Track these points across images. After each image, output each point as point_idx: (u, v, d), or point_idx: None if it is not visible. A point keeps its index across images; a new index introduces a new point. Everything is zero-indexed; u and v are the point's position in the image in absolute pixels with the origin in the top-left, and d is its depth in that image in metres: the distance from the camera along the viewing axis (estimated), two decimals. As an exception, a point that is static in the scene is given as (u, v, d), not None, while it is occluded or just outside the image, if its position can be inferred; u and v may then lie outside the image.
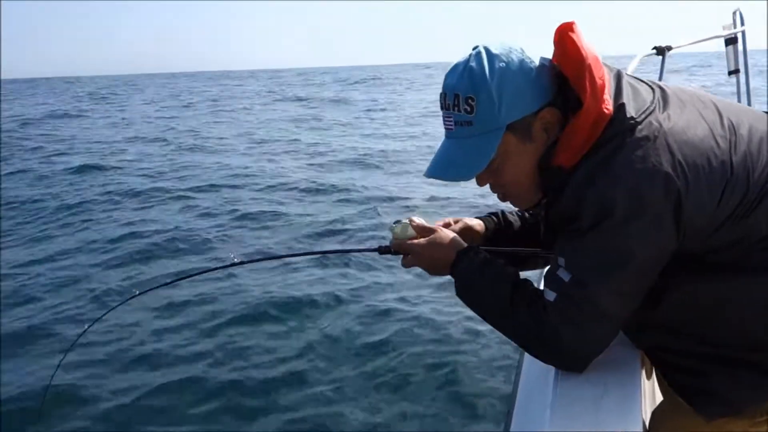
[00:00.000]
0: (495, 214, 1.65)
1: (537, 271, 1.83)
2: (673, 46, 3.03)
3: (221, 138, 17.44)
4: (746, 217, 1.20)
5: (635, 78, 1.32)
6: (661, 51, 3.02)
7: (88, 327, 1.92)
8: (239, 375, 4.25)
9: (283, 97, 35.77)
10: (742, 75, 3.42)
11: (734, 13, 3.37)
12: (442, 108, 1.31)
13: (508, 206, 1.48)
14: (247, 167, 12.49)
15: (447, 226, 1.57)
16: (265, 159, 13.72)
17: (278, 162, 13.26)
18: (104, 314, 2.10)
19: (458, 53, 1.32)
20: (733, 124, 1.25)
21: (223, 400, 3.93)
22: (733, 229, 1.20)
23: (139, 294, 1.75)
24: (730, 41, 3.39)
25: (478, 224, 1.61)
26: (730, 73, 3.44)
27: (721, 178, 1.18)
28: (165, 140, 17.10)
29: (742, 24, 3.34)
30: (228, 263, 1.70)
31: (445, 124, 1.32)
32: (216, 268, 1.80)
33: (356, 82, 52.75)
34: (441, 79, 1.31)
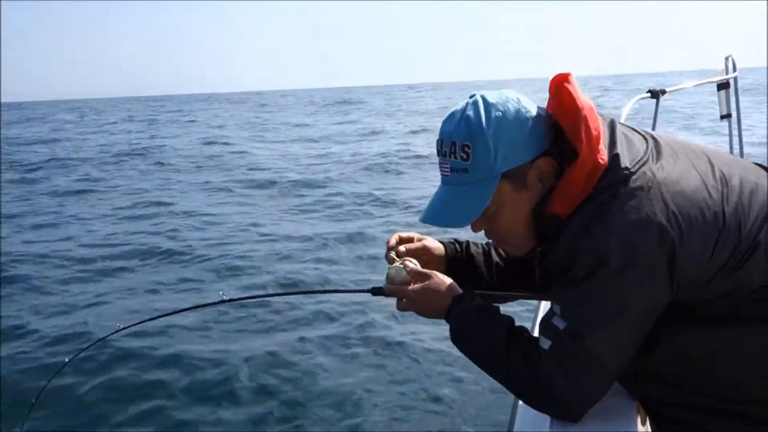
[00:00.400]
0: (459, 242, 1.64)
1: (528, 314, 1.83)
2: (667, 90, 3.09)
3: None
4: (738, 269, 1.21)
5: (628, 127, 1.34)
6: (655, 94, 3.08)
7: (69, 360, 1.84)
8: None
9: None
10: (734, 120, 3.48)
11: (726, 58, 3.44)
12: (438, 154, 1.33)
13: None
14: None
15: (409, 240, 1.57)
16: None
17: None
18: (85, 348, 2.00)
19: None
20: (724, 174, 1.27)
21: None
22: (725, 281, 1.21)
23: (124, 328, 1.74)
24: (722, 86, 3.45)
25: (437, 248, 1.59)
26: (722, 117, 3.49)
27: (714, 229, 1.19)
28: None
29: (734, 70, 3.40)
30: (217, 300, 1.67)
31: (441, 170, 1.33)
32: (205, 305, 1.79)
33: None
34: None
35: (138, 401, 4.39)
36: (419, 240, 1.59)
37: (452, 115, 1.31)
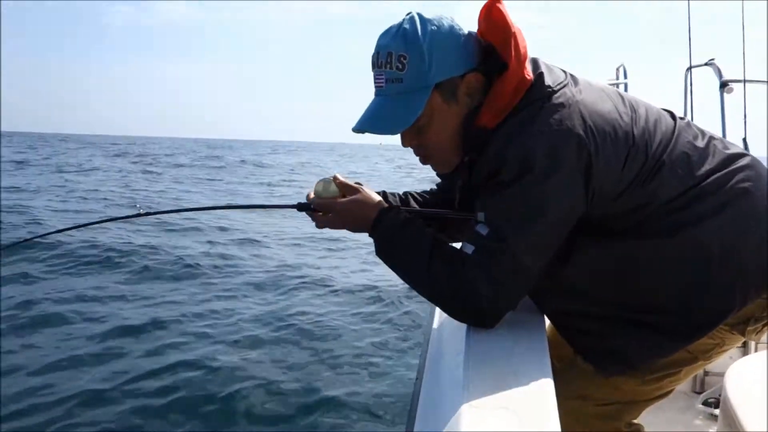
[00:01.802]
0: (396, 193, 1.69)
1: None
2: None
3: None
4: (644, 185, 1.32)
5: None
6: None
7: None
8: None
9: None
10: None
11: (618, 68, 3.72)
12: (374, 67, 1.37)
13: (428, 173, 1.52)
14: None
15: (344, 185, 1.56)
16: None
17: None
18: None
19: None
20: (633, 105, 1.40)
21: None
22: (634, 195, 1.32)
23: (33, 238, 1.66)
24: None
25: (373, 192, 1.60)
26: None
27: (624, 145, 1.31)
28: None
29: (625, 77, 3.68)
30: (134, 213, 1.62)
31: (375, 82, 1.38)
32: (121, 218, 1.68)
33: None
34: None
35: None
36: (358, 183, 1.61)
37: (389, 29, 1.36)
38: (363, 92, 1.43)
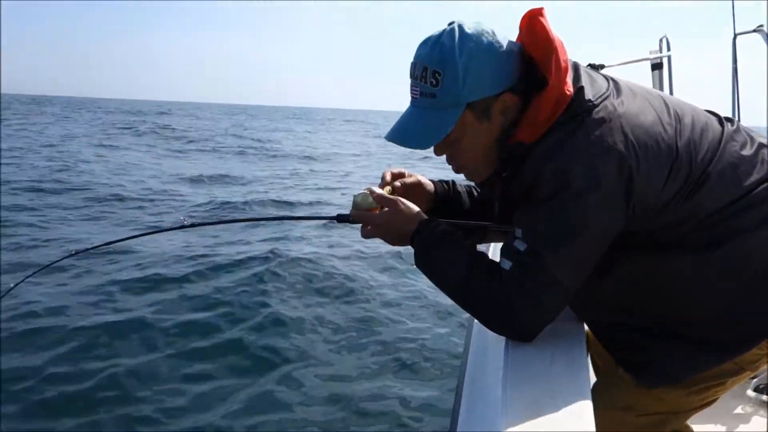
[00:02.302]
0: (447, 182, 1.70)
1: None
2: (605, 65, 3.19)
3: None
4: (689, 198, 1.29)
5: (590, 68, 1.41)
6: (594, 68, 3.18)
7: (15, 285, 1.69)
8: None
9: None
10: None
11: (661, 39, 3.58)
12: (411, 76, 1.36)
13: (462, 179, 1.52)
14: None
15: (400, 176, 1.61)
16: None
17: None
18: (31, 274, 1.87)
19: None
20: (678, 113, 1.35)
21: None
22: (677, 209, 1.29)
23: (76, 254, 1.67)
24: (656, 66, 3.58)
25: (429, 184, 1.65)
26: None
27: (668, 159, 1.27)
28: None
29: (669, 50, 3.54)
30: (178, 225, 1.63)
31: (411, 91, 1.37)
32: (165, 230, 1.70)
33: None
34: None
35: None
36: (410, 176, 1.63)
37: (428, 39, 1.34)
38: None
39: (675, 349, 1.36)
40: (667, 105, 1.37)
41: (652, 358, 1.38)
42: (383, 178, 1.60)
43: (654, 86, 3.63)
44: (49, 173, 12.90)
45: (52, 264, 1.81)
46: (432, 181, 1.66)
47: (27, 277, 1.83)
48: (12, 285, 1.72)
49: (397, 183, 1.58)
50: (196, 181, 13.23)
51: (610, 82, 1.36)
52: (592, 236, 1.26)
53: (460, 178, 1.54)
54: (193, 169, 15.27)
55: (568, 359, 1.29)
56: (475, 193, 1.70)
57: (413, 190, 1.60)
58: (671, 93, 3.64)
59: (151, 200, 10.50)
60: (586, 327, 1.50)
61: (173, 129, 31.11)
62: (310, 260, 6.45)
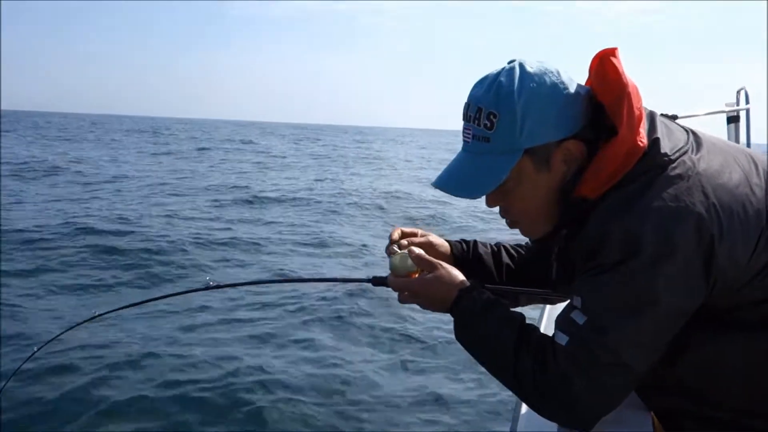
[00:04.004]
0: (467, 242, 1.54)
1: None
2: (679, 115, 3.00)
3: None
4: None
5: (668, 118, 1.25)
6: (668, 118, 3.00)
7: (38, 349, 1.64)
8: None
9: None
10: None
11: (738, 91, 3.37)
12: (463, 118, 1.23)
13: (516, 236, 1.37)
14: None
15: (413, 234, 1.48)
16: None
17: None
18: (59, 334, 1.79)
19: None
20: None
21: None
22: (765, 284, 1.10)
23: (99, 315, 1.59)
24: (732, 119, 3.37)
25: (442, 245, 1.50)
26: None
27: (756, 227, 1.09)
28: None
29: (747, 102, 3.33)
30: (203, 287, 1.54)
31: (463, 135, 1.24)
32: (192, 291, 1.60)
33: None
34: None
35: (115, 393, 4.21)
36: (423, 235, 1.49)
37: (484, 78, 1.21)
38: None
39: None
40: (755, 162, 1.19)
41: None
42: (392, 234, 1.45)
43: (729, 140, 3.41)
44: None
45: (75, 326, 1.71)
46: (449, 241, 1.51)
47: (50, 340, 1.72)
48: (36, 349, 1.68)
49: (405, 242, 1.43)
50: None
51: (690, 134, 1.20)
52: (665, 312, 1.08)
53: (509, 238, 1.38)
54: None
55: None
56: (504, 255, 1.55)
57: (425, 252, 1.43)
58: (749, 147, 3.42)
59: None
60: (653, 415, 1.30)
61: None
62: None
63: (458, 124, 1.25)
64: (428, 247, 1.46)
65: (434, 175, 1.29)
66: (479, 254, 1.52)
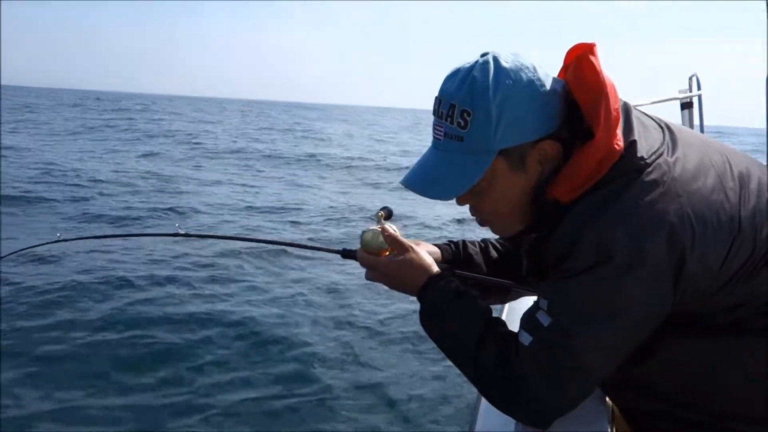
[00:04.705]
0: (456, 243, 1.52)
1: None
2: (631, 104, 3.04)
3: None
4: (750, 278, 1.11)
5: (642, 113, 1.23)
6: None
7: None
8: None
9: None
10: None
11: (690, 78, 3.42)
12: (434, 114, 1.18)
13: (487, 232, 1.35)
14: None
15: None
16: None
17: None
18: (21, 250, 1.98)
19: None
20: (743, 175, 1.16)
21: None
22: (735, 292, 1.11)
23: (64, 240, 1.68)
24: (686, 105, 3.43)
25: (434, 252, 1.46)
26: None
27: (728, 235, 1.09)
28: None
29: (699, 89, 3.39)
30: (172, 232, 1.57)
31: (434, 131, 1.18)
32: (163, 234, 1.69)
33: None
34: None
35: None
36: (414, 243, 1.44)
37: (456, 72, 1.15)
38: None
39: None
40: (730, 163, 1.18)
41: None
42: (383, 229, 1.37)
43: (684, 125, 3.48)
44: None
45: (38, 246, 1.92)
46: (438, 245, 1.48)
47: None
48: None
49: (390, 226, 1.36)
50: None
51: (666, 133, 1.17)
52: (631, 320, 1.08)
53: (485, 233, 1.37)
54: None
55: None
56: (491, 249, 1.53)
57: None
58: (702, 132, 3.49)
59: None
60: (610, 403, 1.32)
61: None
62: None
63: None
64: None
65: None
66: (470, 254, 1.50)
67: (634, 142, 1.11)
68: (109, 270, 5.74)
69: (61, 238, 1.71)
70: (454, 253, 1.49)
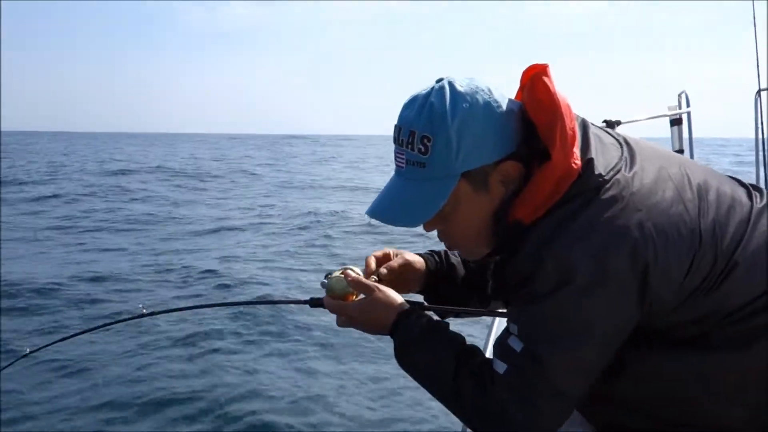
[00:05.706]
0: (438, 253, 1.51)
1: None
2: (622, 121, 3.04)
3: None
4: (714, 290, 1.10)
5: (600, 128, 1.23)
6: (610, 125, 3.03)
7: None
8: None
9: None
10: (686, 156, 3.48)
11: (680, 95, 3.44)
12: (395, 142, 1.18)
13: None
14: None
15: (386, 258, 1.43)
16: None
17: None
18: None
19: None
20: (701, 187, 1.16)
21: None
22: (700, 303, 1.10)
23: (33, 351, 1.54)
24: (675, 122, 3.44)
25: (418, 261, 1.46)
26: (674, 152, 3.48)
27: (690, 248, 1.09)
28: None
29: (688, 105, 3.40)
30: (137, 314, 1.48)
31: (396, 159, 1.19)
32: (124, 320, 1.55)
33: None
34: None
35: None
36: (396, 255, 1.45)
37: (414, 99, 1.16)
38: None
39: None
40: (688, 176, 1.17)
41: None
42: (367, 265, 1.40)
43: (673, 143, 3.48)
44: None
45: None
46: (422, 255, 1.48)
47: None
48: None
49: (384, 270, 1.39)
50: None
51: (623, 147, 1.17)
52: (599, 339, 1.08)
53: None
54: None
55: None
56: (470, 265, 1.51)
57: (403, 274, 1.41)
58: (691, 149, 3.49)
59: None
60: None
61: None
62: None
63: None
64: (406, 266, 1.43)
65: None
66: (452, 263, 1.49)
67: (591, 160, 1.11)
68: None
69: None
70: (437, 263, 1.48)
